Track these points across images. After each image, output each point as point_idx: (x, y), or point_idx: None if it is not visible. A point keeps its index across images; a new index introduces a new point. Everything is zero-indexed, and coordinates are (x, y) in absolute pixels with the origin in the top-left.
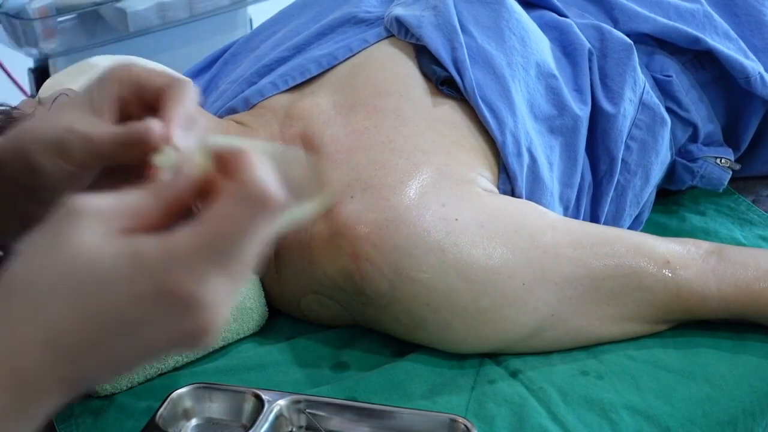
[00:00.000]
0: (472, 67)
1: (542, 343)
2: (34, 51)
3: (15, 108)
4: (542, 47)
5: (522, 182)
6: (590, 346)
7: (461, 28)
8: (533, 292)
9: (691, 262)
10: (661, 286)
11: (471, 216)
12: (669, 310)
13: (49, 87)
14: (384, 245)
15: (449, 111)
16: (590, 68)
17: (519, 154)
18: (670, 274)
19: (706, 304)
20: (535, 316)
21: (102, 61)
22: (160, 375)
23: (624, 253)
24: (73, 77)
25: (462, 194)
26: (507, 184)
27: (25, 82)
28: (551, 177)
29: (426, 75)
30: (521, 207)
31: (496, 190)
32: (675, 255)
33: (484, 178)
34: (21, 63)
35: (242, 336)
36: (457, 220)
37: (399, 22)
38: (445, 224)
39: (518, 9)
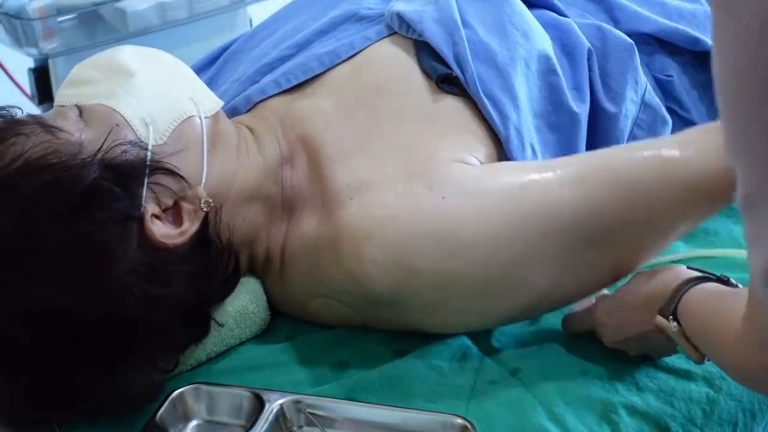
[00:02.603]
0: (473, 61)
1: (564, 288)
2: (34, 51)
3: (13, 106)
4: (544, 42)
5: None
6: (590, 347)
7: (463, 22)
8: (538, 246)
9: (686, 142)
10: (661, 174)
11: (456, 189)
12: (684, 206)
13: (74, 78)
14: (384, 242)
15: (450, 108)
16: (590, 67)
17: (523, 149)
18: (671, 158)
19: (719, 179)
20: (547, 271)
21: (128, 52)
22: None
23: (617, 167)
24: (101, 71)
25: (444, 171)
26: None
27: (25, 82)
28: None
29: (426, 73)
30: (499, 166)
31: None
32: (671, 141)
33: (476, 159)
34: (21, 63)
35: (244, 340)
36: (444, 198)
37: (400, 17)
38: (435, 207)
39: (520, 4)
